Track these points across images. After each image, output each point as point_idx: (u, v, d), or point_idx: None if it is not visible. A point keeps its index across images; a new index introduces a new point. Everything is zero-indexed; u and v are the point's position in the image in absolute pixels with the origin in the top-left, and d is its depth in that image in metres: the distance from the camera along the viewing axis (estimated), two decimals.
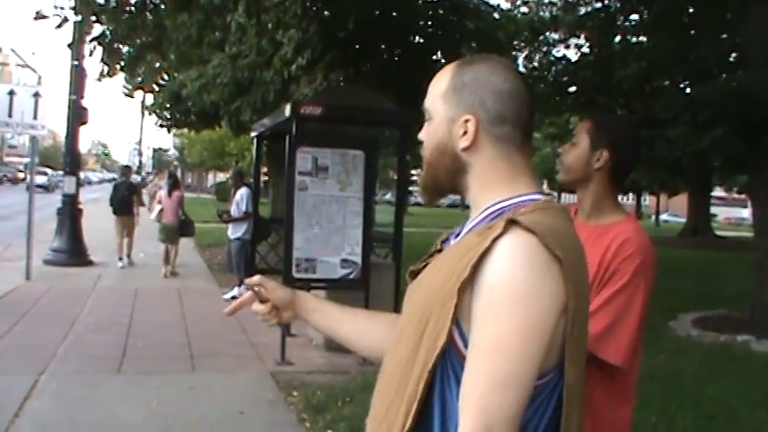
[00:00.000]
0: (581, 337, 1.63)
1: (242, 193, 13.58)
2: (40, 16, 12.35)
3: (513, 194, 1.70)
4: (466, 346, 1.56)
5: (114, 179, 37.17)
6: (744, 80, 11.90)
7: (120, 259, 17.11)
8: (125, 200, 17.42)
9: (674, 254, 29.32)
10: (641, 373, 7.91)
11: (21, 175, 63.93)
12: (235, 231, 13.55)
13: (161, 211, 16.39)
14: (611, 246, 2.68)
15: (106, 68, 13.80)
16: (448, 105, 1.74)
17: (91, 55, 11.94)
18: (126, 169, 20.44)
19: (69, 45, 12.05)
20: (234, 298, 12.60)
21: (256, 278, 2.15)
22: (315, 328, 2.17)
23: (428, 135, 1.79)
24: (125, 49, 14.51)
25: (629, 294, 2.63)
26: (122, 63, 14.08)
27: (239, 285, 13.08)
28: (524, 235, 1.55)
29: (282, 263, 8.98)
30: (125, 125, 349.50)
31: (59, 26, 11.89)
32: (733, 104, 12.18)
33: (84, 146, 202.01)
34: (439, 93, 1.77)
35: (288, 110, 8.89)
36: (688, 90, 19.87)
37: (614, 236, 2.70)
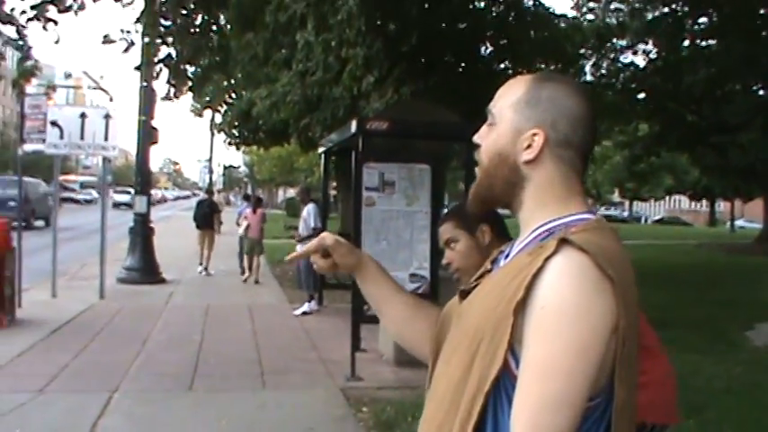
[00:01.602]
0: (631, 358, 1.59)
1: (308, 209, 13.66)
2: (107, 41, 12.56)
3: (565, 214, 1.68)
4: (518, 366, 1.54)
5: (189, 196, 38.16)
6: None
7: (201, 264, 19.11)
8: (207, 216, 19.78)
9: (749, 261, 28.79)
10: (718, 385, 7.78)
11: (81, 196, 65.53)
12: (303, 247, 13.59)
13: (248, 226, 17.92)
14: None
15: (173, 90, 13.96)
16: (519, 116, 1.72)
17: (157, 77, 12.08)
18: (209, 189, 24.17)
19: (137, 68, 12.21)
20: (305, 314, 12.80)
21: (330, 239, 2.09)
22: (364, 295, 2.13)
23: (489, 140, 1.76)
24: (191, 69, 14.66)
25: None
26: (190, 84, 14.22)
27: (309, 301, 13.15)
28: (576, 254, 1.53)
29: (351, 278, 8.97)
30: (196, 143, 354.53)
31: (126, 50, 12.07)
32: None
33: (155, 164, 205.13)
34: (511, 101, 1.74)
35: (354, 125, 8.92)
36: (761, 93, 19.51)
37: None
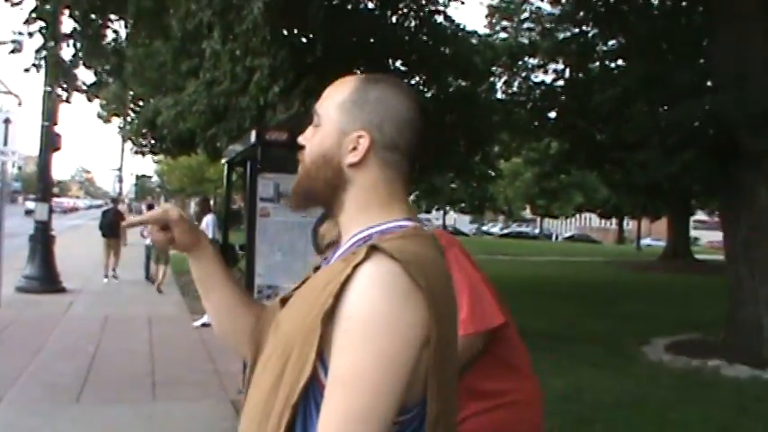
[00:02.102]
0: (446, 371, 1.56)
1: (207, 220, 13.60)
2: None
3: (384, 220, 1.65)
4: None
5: (101, 205, 37.86)
6: (712, 104, 11.93)
7: (106, 276, 19.19)
8: (112, 225, 19.64)
9: (652, 278, 29.54)
10: (607, 399, 7.91)
11: None
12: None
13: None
14: None
15: (65, 93, 13.67)
16: (344, 117, 1.68)
17: (38, 70, 11.74)
18: (115, 198, 25.07)
19: (26, 70, 11.88)
20: (204, 325, 12.64)
21: (175, 212, 1.96)
22: (194, 278, 2.02)
23: (314, 141, 1.72)
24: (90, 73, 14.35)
25: (457, 268, 2.66)
26: (84, 88, 13.93)
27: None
28: (386, 262, 1.49)
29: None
30: (109, 151, 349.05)
31: (12, 52, 11.73)
32: (702, 128, 12.24)
33: (67, 172, 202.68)
34: (337, 101, 1.71)
35: (253, 136, 8.84)
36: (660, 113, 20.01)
37: None
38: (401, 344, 1.46)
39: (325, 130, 1.71)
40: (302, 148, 1.76)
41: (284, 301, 1.78)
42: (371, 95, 1.69)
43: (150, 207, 22.88)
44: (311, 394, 1.53)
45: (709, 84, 14.25)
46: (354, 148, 1.66)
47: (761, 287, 11.57)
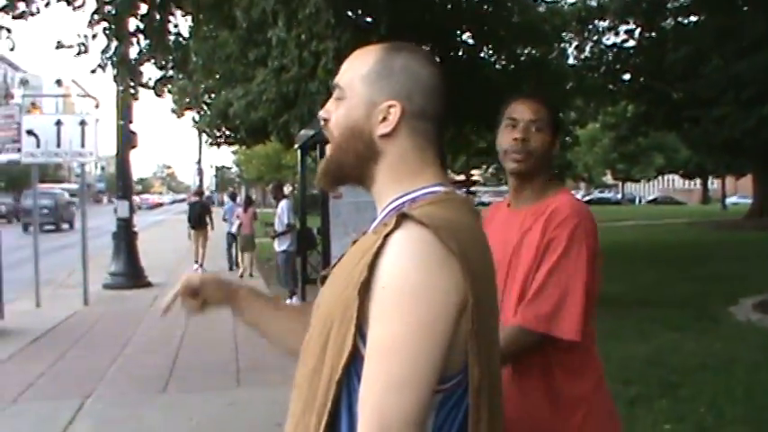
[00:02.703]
0: (486, 335, 1.54)
1: (282, 205, 13.71)
2: (61, 46, 12.37)
3: (415, 188, 1.64)
4: None
5: (184, 199, 39.03)
6: None
7: (196, 262, 20.02)
8: (200, 216, 21.07)
9: (738, 237, 28.84)
10: (693, 362, 7.76)
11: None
12: (280, 244, 13.69)
13: (240, 224, 19.37)
14: (540, 218, 2.61)
15: (132, 91, 13.84)
16: (371, 88, 1.66)
17: (104, 70, 11.90)
18: (198, 190, 25.37)
19: (92, 71, 12.06)
20: None
21: (195, 279, 2.06)
22: (246, 325, 2.10)
23: (340, 114, 1.69)
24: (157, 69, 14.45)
25: (572, 262, 2.52)
26: (151, 84, 14.06)
27: (291, 297, 13.13)
28: (416, 229, 1.48)
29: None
30: (187, 146, 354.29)
31: (78, 55, 11.92)
32: None
33: (149, 169, 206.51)
34: (361, 73, 1.68)
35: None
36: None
37: (546, 207, 2.63)
38: (437, 310, 1.45)
39: (351, 102, 1.68)
40: (326, 122, 1.74)
41: (324, 280, 1.76)
42: (396, 64, 1.67)
43: (233, 196, 23.84)
44: (353, 368, 1.51)
45: None
46: (385, 119, 1.64)
47: None
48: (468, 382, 1.51)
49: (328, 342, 1.55)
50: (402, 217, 1.50)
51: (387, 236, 1.49)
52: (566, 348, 2.51)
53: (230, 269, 20.28)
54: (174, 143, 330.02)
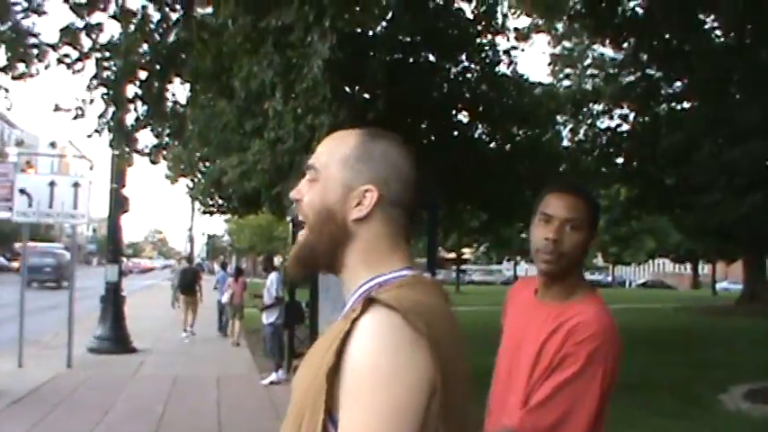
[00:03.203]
0: (456, 419, 1.54)
1: (272, 277, 13.72)
2: (58, 109, 12.42)
3: (384, 272, 1.64)
4: None
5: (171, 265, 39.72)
6: None
7: (185, 330, 20.36)
8: (191, 284, 21.67)
9: (729, 323, 28.77)
10: None
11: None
12: (268, 317, 13.64)
13: (232, 294, 19.53)
14: (563, 326, 2.48)
15: (127, 157, 13.88)
16: (349, 172, 1.67)
17: (100, 135, 11.93)
18: (189, 257, 27.42)
19: (89, 135, 12.10)
20: (272, 383, 12.65)
21: None
22: None
23: (314, 195, 1.70)
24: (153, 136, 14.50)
25: (584, 383, 2.41)
26: (147, 151, 14.09)
27: (276, 370, 13.03)
28: (385, 312, 1.48)
29: None
30: (179, 212, 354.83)
31: (75, 118, 11.97)
32: None
33: (141, 233, 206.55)
34: (339, 156, 1.69)
35: None
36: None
37: (570, 316, 2.49)
38: (406, 393, 1.44)
39: (327, 184, 1.69)
40: (298, 202, 1.74)
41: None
42: (376, 151, 1.69)
43: (224, 265, 24.39)
44: None
45: None
46: (360, 203, 1.65)
47: None
48: None
49: (300, 429, 1.54)
50: (369, 301, 1.50)
51: (355, 320, 1.49)
52: None
53: (220, 331, 21.10)
54: (166, 208, 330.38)
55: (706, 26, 20.75)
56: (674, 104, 26.14)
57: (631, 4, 18.14)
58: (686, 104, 25.45)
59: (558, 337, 2.47)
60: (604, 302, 2.64)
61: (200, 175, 25.92)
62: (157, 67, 11.99)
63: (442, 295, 1.64)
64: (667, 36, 18.78)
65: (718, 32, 20.75)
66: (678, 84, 25.02)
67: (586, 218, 2.59)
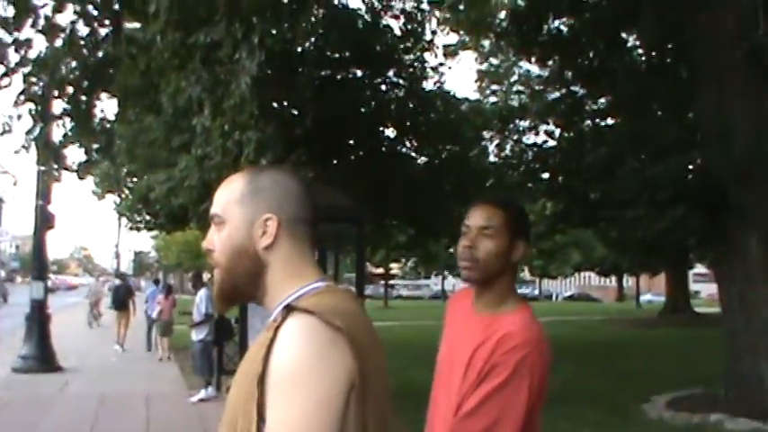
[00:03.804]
0: (377, 413, 1.64)
1: (201, 294, 13.64)
2: None
3: (299, 287, 1.75)
4: None
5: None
6: (700, 159, 12.02)
7: (117, 343, 21.31)
8: (124, 300, 22.57)
9: (652, 334, 29.40)
10: None
11: None
12: (197, 334, 13.53)
13: (161, 311, 19.90)
14: (492, 336, 2.54)
15: (55, 173, 13.73)
16: (246, 209, 1.80)
17: (27, 151, 11.77)
18: (121, 275, 28.51)
19: (16, 152, 11.92)
20: (201, 401, 12.57)
21: None
22: None
23: (223, 240, 1.81)
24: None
25: (511, 392, 2.48)
26: (74, 167, 13.92)
27: (206, 387, 12.95)
28: (302, 317, 1.60)
29: None
30: (106, 228, 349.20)
31: (2, 134, 11.80)
32: (691, 183, 12.31)
33: (66, 250, 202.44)
34: (233, 198, 1.82)
35: None
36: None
37: (500, 326, 2.56)
38: (327, 388, 1.55)
39: (231, 226, 1.81)
40: (211, 252, 1.85)
41: None
42: (264, 182, 1.83)
43: (156, 281, 24.91)
44: None
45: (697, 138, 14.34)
46: (264, 232, 1.78)
47: (758, 339, 11.51)
48: None
49: None
50: (288, 310, 1.63)
51: (277, 328, 1.60)
52: None
53: (148, 350, 21.24)
54: (92, 225, 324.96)
55: (629, 44, 21.13)
56: (598, 121, 26.50)
57: (556, 23, 18.41)
58: (610, 121, 25.82)
59: (487, 347, 2.54)
60: (533, 314, 2.72)
61: (127, 191, 25.74)
62: (85, 82, 11.89)
63: (356, 301, 1.77)
64: (591, 54, 19.10)
65: (640, 51, 21.14)
66: (602, 100, 25.41)
67: (502, 226, 2.67)
